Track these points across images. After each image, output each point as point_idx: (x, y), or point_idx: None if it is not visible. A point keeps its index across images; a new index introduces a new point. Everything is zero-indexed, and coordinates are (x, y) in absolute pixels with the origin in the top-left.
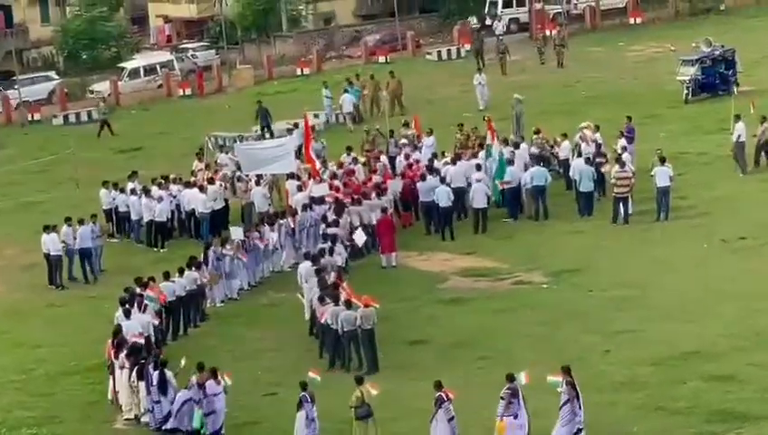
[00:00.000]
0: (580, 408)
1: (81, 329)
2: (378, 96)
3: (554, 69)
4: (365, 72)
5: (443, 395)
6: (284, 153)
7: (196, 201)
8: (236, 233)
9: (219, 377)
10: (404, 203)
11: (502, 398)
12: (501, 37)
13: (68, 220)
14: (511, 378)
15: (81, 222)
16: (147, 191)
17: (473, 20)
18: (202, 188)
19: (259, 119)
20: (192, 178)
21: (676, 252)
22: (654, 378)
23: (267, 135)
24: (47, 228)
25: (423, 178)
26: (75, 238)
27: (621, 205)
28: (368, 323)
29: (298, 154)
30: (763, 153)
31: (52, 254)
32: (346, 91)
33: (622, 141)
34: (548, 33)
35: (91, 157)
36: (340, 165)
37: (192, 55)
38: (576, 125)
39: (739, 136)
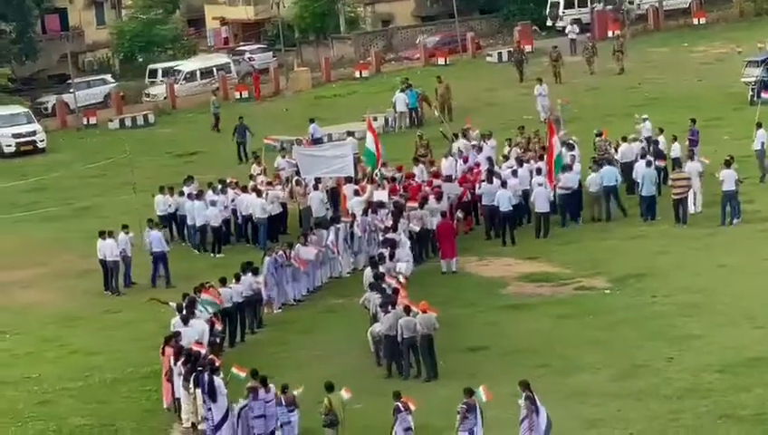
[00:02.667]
0: (539, 425)
1: (137, 336)
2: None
3: (614, 73)
4: (424, 75)
5: (400, 405)
6: (343, 157)
7: (254, 206)
8: (307, 254)
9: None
10: (464, 207)
11: (458, 412)
12: (575, 40)
13: (125, 227)
14: (469, 392)
15: (150, 226)
16: (198, 196)
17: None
18: (259, 193)
19: (236, 135)
20: (251, 183)
21: (742, 257)
22: (719, 385)
23: (242, 153)
24: (103, 234)
25: (489, 180)
26: (132, 245)
27: (681, 206)
28: (427, 329)
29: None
30: None
31: (108, 259)
32: (402, 90)
33: (676, 145)
34: (611, 33)
35: (147, 161)
36: (399, 168)
37: (249, 58)
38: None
39: (762, 143)
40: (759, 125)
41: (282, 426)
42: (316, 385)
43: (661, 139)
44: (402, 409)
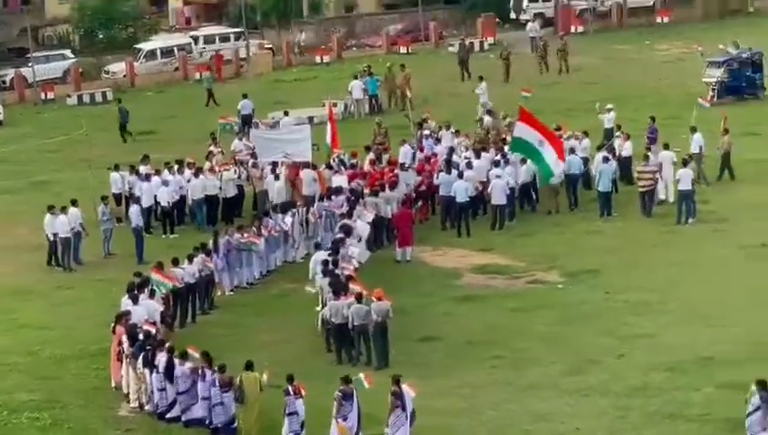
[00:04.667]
0: (406, 419)
1: (88, 312)
2: (393, 88)
3: (556, 75)
4: (385, 62)
5: (289, 388)
6: (301, 141)
7: (192, 187)
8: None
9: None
10: (421, 197)
11: (335, 399)
12: (535, 38)
13: (74, 203)
14: (346, 380)
15: (129, 201)
16: (147, 176)
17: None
18: (198, 174)
19: (120, 119)
20: (207, 163)
21: (697, 256)
22: (669, 384)
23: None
24: (51, 209)
25: (447, 170)
26: (81, 221)
27: (646, 198)
28: (381, 317)
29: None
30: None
31: (61, 236)
32: (355, 77)
33: (628, 144)
34: (573, 29)
35: (104, 138)
36: (354, 154)
37: (245, 37)
38: (599, 124)
39: (701, 147)
40: (694, 129)
41: (214, 407)
42: (267, 369)
43: (619, 134)
44: (291, 393)
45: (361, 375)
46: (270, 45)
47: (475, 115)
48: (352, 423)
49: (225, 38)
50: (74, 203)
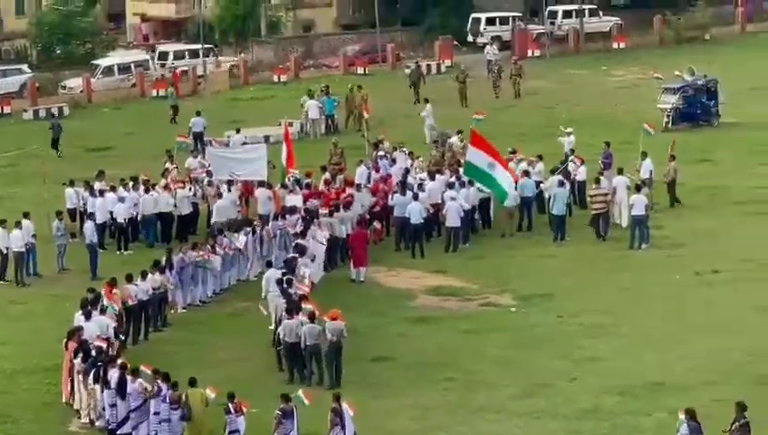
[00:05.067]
0: None
1: (40, 328)
2: (353, 109)
3: (513, 97)
4: (343, 83)
5: (230, 406)
6: (256, 160)
7: (144, 202)
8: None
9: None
10: (376, 217)
11: (275, 418)
12: (491, 61)
13: (26, 215)
14: (285, 398)
15: (84, 216)
16: (101, 192)
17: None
18: (148, 190)
19: (52, 134)
20: (162, 181)
21: (649, 282)
22: (620, 408)
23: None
24: (3, 223)
25: (403, 192)
26: (34, 235)
27: (601, 221)
28: (336, 337)
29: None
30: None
31: (14, 250)
32: (311, 96)
33: (582, 168)
34: (530, 52)
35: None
36: (308, 174)
37: (214, 53)
38: (556, 149)
39: (651, 172)
40: (644, 154)
41: (161, 422)
42: (217, 386)
43: (572, 158)
44: (232, 410)
45: (300, 392)
46: (237, 63)
47: (425, 138)
48: None
49: (194, 54)
50: (26, 215)
